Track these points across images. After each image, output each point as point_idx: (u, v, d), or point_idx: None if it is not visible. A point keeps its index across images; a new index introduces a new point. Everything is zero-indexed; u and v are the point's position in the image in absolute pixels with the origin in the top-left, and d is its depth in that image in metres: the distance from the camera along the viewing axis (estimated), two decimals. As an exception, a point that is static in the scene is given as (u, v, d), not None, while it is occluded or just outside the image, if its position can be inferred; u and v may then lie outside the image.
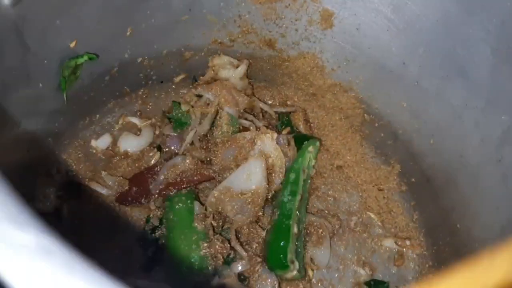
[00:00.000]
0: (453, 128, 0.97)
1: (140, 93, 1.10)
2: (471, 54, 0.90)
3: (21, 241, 0.37)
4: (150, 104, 1.10)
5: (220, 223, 0.95)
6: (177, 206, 0.93)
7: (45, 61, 0.80)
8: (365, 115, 1.14)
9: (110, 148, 1.02)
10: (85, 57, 0.86)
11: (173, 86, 1.14)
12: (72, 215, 0.94)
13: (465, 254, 0.93)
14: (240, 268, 0.91)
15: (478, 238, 0.91)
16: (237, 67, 1.07)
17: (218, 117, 1.02)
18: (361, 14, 1.01)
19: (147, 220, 0.96)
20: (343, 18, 1.03)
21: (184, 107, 1.04)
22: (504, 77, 0.86)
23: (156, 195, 0.95)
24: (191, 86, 1.10)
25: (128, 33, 0.95)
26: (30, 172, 0.90)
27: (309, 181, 1.04)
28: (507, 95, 0.86)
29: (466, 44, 0.90)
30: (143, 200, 0.95)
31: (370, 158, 1.17)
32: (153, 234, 0.94)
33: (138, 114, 1.07)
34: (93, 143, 1.01)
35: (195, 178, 0.96)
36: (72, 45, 0.84)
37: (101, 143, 1.02)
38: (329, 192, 1.11)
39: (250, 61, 1.12)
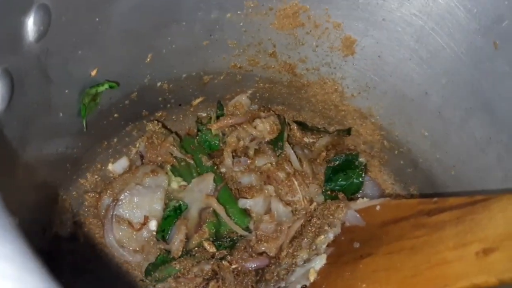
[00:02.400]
0: (475, 161, 0.95)
1: (159, 115, 1.09)
2: (496, 88, 0.88)
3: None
4: (169, 127, 1.10)
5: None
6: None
7: (66, 91, 0.80)
8: (385, 141, 1.12)
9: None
10: (106, 86, 0.86)
11: (191, 109, 1.13)
12: (87, 239, 0.94)
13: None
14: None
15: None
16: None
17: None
18: (383, 42, 1.00)
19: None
20: (365, 46, 1.02)
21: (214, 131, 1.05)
22: (529, 113, 0.84)
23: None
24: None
25: (148, 59, 0.94)
26: (48, 198, 0.90)
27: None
28: (533, 132, 0.84)
29: (492, 78, 0.88)
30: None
31: (389, 184, 1.15)
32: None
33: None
34: (110, 167, 1.01)
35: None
36: (93, 73, 0.84)
37: (118, 166, 1.02)
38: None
39: (269, 85, 1.12)
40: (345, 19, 0.98)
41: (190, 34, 0.97)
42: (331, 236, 0.89)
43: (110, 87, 0.87)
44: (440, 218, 0.76)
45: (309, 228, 0.93)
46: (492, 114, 0.90)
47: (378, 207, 0.88)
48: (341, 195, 1.03)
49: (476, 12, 0.84)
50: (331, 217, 0.92)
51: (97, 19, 0.78)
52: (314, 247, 0.89)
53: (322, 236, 0.89)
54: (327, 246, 0.88)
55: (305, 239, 0.92)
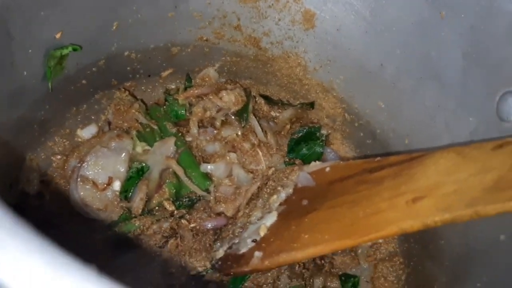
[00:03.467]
0: (426, 129, 1.00)
1: (128, 85, 1.14)
2: (443, 56, 0.93)
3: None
4: (137, 97, 1.14)
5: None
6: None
7: (30, 51, 0.84)
8: (346, 114, 1.17)
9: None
10: (70, 48, 0.90)
11: (160, 81, 1.17)
12: (53, 197, 0.98)
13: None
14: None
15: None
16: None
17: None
18: (341, 16, 1.04)
19: None
20: (324, 19, 1.06)
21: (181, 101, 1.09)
22: (473, 80, 0.89)
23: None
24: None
25: (114, 27, 0.99)
26: (15, 157, 0.94)
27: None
28: (475, 97, 0.89)
29: (439, 47, 0.93)
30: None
31: (350, 156, 1.20)
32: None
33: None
34: (79, 132, 1.05)
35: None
36: (58, 36, 0.88)
37: (87, 132, 1.06)
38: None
39: (236, 59, 1.16)
40: (304, -8, 1.02)
41: (155, 4, 1.01)
42: (283, 195, 0.94)
43: (74, 49, 0.91)
44: (380, 174, 0.81)
45: (265, 189, 0.98)
46: (440, 82, 0.95)
47: (328, 169, 0.93)
48: (298, 161, 1.08)
49: (423, -16, 0.89)
50: (285, 179, 0.96)
51: (60, -19, 0.83)
52: (267, 206, 0.94)
53: (275, 196, 0.94)
54: (279, 205, 0.93)
55: (260, 200, 0.96)
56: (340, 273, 1.02)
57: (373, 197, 0.77)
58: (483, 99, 0.87)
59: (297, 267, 0.94)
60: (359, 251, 1.06)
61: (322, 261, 0.99)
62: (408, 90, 1.01)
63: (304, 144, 1.15)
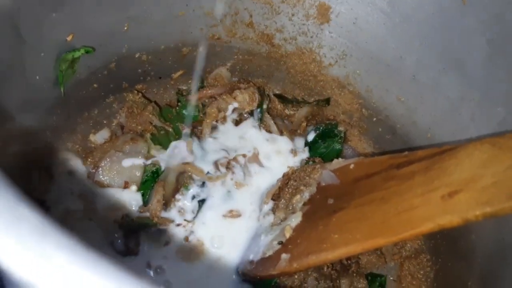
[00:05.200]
0: (449, 122, 0.97)
1: (139, 88, 1.11)
2: (467, 45, 0.90)
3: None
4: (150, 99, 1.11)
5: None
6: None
7: (42, 54, 0.81)
8: (363, 110, 1.14)
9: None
10: (82, 51, 0.87)
11: (172, 82, 1.15)
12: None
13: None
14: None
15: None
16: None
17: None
18: (357, 8, 1.01)
19: None
20: (340, 12, 1.03)
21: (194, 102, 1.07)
22: (499, 68, 0.86)
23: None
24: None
25: (125, 28, 0.96)
26: (28, 164, 0.91)
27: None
28: (502, 86, 0.86)
29: (462, 36, 0.90)
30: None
31: (369, 152, 1.17)
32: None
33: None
34: (92, 137, 1.02)
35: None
36: (69, 38, 0.85)
37: (99, 137, 1.03)
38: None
39: (248, 57, 1.14)
40: (318, -15, 1.00)
41: (166, 3, 0.98)
42: (306, 195, 0.91)
43: (86, 52, 0.88)
44: (409, 169, 0.78)
45: (287, 190, 0.95)
46: (463, 73, 0.92)
47: (352, 166, 0.90)
48: (317, 159, 1.05)
49: (443, -29, 0.86)
50: (307, 178, 0.93)
51: (70, -18, 0.80)
52: (290, 207, 0.91)
53: (298, 196, 0.91)
54: (303, 205, 0.90)
55: (283, 200, 0.93)
56: (367, 272, 0.99)
57: (404, 193, 0.74)
58: (510, 88, 0.84)
59: (325, 268, 0.91)
60: (383, 249, 1.03)
61: (349, 261, 0.96)
62: (430, 82, 0.98)
63: (321, 142, 1.12)
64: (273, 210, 0.94)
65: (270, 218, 0.94)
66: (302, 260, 0.80)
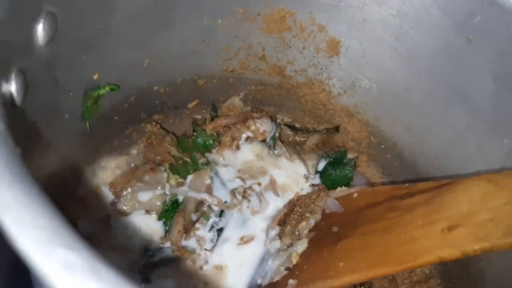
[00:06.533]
0: (456, 151, 1.01)
1: (156, 118, 1.15)
2: (472, 80, 0.94)
3: (72, 261, 0.40)
4: (167, 129, 1.15)
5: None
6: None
7: (71, 93, 0.85)
8: (372, 137, 1.18)
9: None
10: (107, 88, 0.91)
11: (187, 112, 1.19)
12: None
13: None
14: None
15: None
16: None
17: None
18: (366, 42, 1.06)
19: None
20: (349, 46, 1.08)
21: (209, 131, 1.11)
22: (505, 102, 0.90)
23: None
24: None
25: (145, 64, 1.00)
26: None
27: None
28: (509, 119, 0.90)
29: (468, 71, 0.94)
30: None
31: (378, 178, 1.21)
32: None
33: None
34: (112, 168, 1.06)
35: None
36: (95, 77, 0.90)
37: (120, 167, 1.06)
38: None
39: (261, 87, 1.18)
40: (329, 22, 1.04)
41: (184, 39, 1.03)
42: (312, 222, 0.95)
43: (111, 89, 0.92)
44: (411, 201, 0.83)
45: (292, 216, 0.99)
46: (469, 105, 0.96)
47: (355, 194, 0.94)
48: (321, 186, 1.09)
49: (450, 10, 0.91)
50: (312, 205, 0.98)
51: (98, 27, 0.84)
52: (296, 233, 0.95)
53: (304, 223, 0.95)
54: (309, 231, 0.94)
55: (288, 226, 0.97)
56: (378, 297, 1.03)
57: (406, 225, 0.79)
58: (516, 121, 0.89)
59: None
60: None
61: (362, 287, 1.00)
62: (436, 113, 1.03)
63: (332, 169, 1.16)
64: (279, 235, 0.98)
65: (277, 244, 0.98)
66: (309, 286, 0.84)
